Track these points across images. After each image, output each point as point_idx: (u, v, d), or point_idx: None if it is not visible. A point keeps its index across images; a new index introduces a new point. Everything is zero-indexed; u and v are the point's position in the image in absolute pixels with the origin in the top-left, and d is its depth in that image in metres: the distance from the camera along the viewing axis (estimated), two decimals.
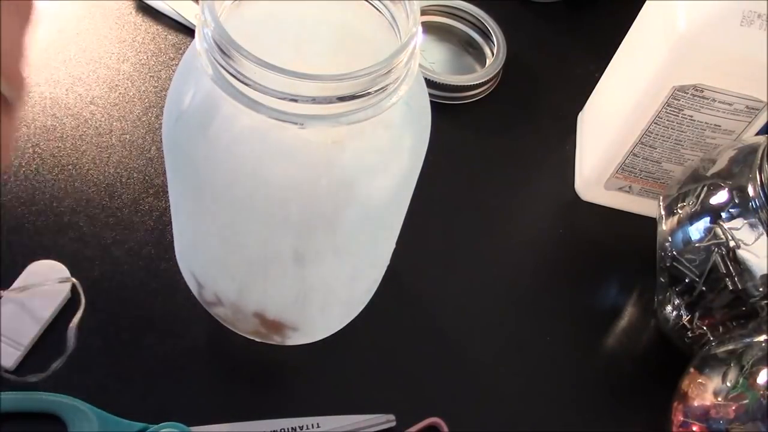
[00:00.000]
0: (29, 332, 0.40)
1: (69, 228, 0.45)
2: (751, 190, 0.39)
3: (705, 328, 0.43)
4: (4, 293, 0.41)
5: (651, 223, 0.46)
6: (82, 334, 0.41)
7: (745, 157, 0.41)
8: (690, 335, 0.44)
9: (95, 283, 0.43)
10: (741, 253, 0.40)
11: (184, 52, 0.33)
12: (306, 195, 0.30)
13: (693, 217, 0.42)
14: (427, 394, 0.43)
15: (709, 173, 0.42)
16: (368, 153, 0.31)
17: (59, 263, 0.42)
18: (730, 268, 0.40)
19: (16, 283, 0.41)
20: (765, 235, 0.39)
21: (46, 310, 0.41)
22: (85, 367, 0.41)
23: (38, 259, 0.42)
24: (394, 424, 0.41)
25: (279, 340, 0.41)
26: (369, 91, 0.27)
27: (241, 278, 0.37)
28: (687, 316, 0.43)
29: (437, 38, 0.58)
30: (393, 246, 0.40)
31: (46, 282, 0.41)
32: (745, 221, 0.40)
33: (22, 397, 0.38)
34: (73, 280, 0.42)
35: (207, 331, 0.43)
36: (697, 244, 0.41)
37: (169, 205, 0.38)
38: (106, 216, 0.45)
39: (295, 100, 0.27)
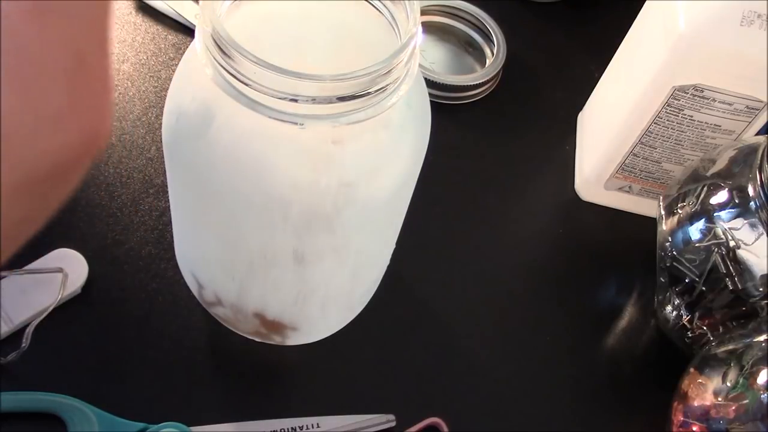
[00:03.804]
0: (25, 313, 0.40)
1: (68, 228, 0.45)
2: (751, 190, 0.39)
3: (705, 328, 0.43)
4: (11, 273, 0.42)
5: (651, 223, 0.46)
6: (82, 334, 0.41)
7: (745, 157, 0.41)
8: (690, 335, 0.44)
9: (95, 283, 0.43)
10: (741, 253, 0.40)
11: (184, 52, 0.33)
12: (306, 195, 0.30)
13: (693, 217, 0.42)
14: (427, 394, 0.43)
15: (709, 173, 0.42)
16: (368, 153, 0.31)
17: (79, 253, 0.43)
18: (730, 268, 0.40)
19: (31, 266, 0.42)
20: (765, 235, 0.39)
21: (50, 298, 0.41)
22: (84, 367, 0.41)
23: (36, 259, 0.42)
24: (394, 424, 0.41)
25: (279, 340, 0.41)
26: (369, 91, 0.27)
27: (241, 278, 0.37)
28: (687, 316, 0.43)
29: (437, 38, 0.58)
30: (393, 246, 0.40)
31: (41, 269, 0.42)
32: (745, 221, 0.40)
33: (22, 397, 0.38)
34: (64, 270, 0.42)
35: (207, 331, 0.43)
36: (697, 244, 0.41)
37: (169, 205, 0.38)
38: (106, 216, 0.45)
39: (295, 100, 0.27)
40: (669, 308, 0.45)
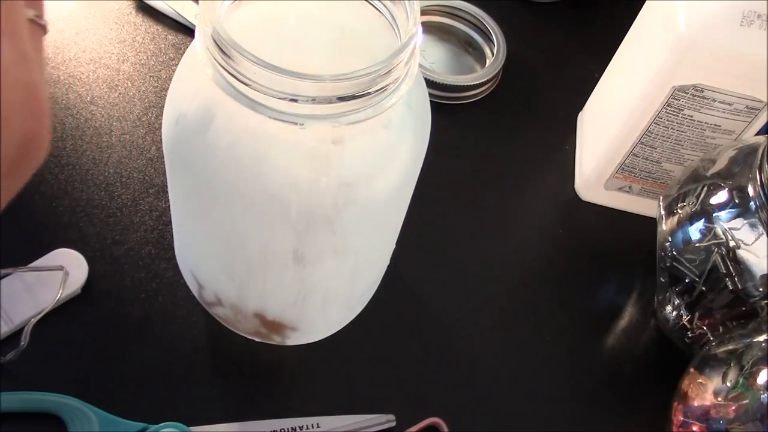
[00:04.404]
0: (25, 313, 0.40)
1: (69, 228, 0.45)
2: (751, 190, 0.39)
3: (705, 328, 0.43)
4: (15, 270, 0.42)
5: (651, 223, 0.46)
6: (82, 334, 0.41)
7: (745, 157, 0.41)
8: (690, 335, 0.44)
9: (95, 283, 0.43)
10: (741, 253, 0.40)
11: (184, 52, 0.33)
12: (306, 195, 0.30)
13: (693, 217, 0.42)
14: (427, 394, 0.43)
15: (709, 173, 0.42)
16: (368, 153, 0.31)
17: (79, 253, 0.43)
18: (730, 268, 0.40)
19: (31, 265, 0.42)
20: (765, 235, 0.39)
21: (51, 297, 0.41)
22: (85, 367, 0.41)
23: (36, 259, 0.42)
24: (394, 424, 0.41)
25: (279, 340, 0.41)
26: (369, 91, 0.27)
27: (241, 278, 0.37)
28: (687, 316, 0.43)
29: (437, 38, 0.58)
30: (393, 246, 0.40)
31: (42, 267, 0.42)
32: (745, 221, 0.40)
33: (22, 397, 0.38)
34: (65, 268, 0.42)
35: (207, 331, 0.43)
36: (697, 244, 0.41)
37: (169, 205, 0.38)
38: (106, 216, 0.45)
39: (295, 100, 0.27)
40: (669, 308, 0.45)
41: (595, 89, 0.54)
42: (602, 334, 0.47)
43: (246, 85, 0.27)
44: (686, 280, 0.42)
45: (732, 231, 0.40)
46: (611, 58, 0.52)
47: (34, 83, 0.23)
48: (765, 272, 0.39)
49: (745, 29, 0.39)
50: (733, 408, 0.37)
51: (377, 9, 0.31)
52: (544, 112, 0.57)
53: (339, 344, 0.42)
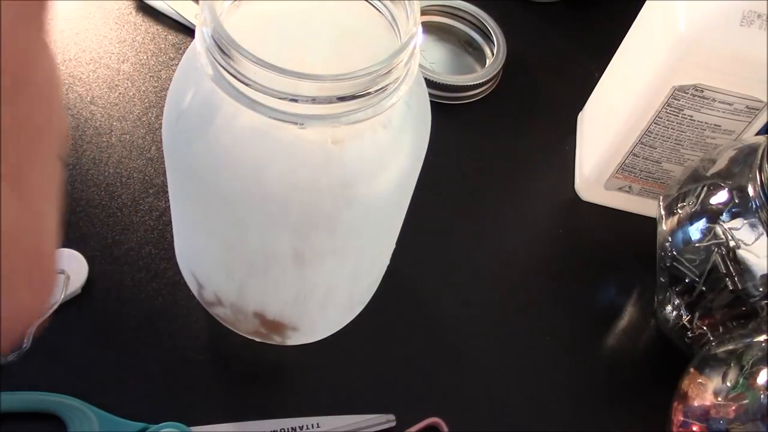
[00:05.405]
0: None
1: (68, 228, 0.45)
2: (751, 190, 0.39)
3: (705, 328, 0.43)
4: None
5: (651, 223, 0.46)
6: (82, 334, 0.41)
7: (745, 157, 0.41)
8: (690, 335, 0.44)
9: (95, 283, 0.43)
10: (741, 253, 0.40)
11: (184, 52, 0.33)
12: (306, 195, 0.30)
13: (693, 217, 0.42)
14: (427, 394, 0.43)
15: (709, 173, 0.42)
16: (368, 153, 0.31)
17: (79, 253, 0.43)
18: (730, 268, 0.40)
19: None
20: (765, 235, 0.39)
21: (51, 298, 0.41)
22: (85, 367, 0.41)
23: None
24: (394, 424, 0.41)
25: (279, 340, 0.41)
26: (369, 91, 0.27)
27: (241, 278, 0.37)
28: (687, 316, 0.43)
29: (437, 38, 0.58)
30: (393, 246, 0.40)
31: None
32: (745, 221, 0.40)
33: (22, 397, 0.38)
34: (66, 272, 0.42)
35: (207, 331, 0.43)
36: (697, 244, 0.41)
37: (169, 205, 0.38)
38: (106, 216, 0.45)
39: (295, 100, 0.27)
40: (669, 308, 0.45)
41: (595, 89, 0.54)
42: (602, 334, 0.47)
43: (246, 85, 0.27)
44: (686, 280, 0.42)
45: (732, 231, 0.40)
46: (611, 58, 0.52)
47: (41, 249, 0.18)
48: (765, 272, 0.39)
49: (745, 29, 0.39)
50: (733, 408, 0.37)
51: (377, 9, 0.31)
52: (544, 112, 0.57)
53: (339, 344, 0.42)
